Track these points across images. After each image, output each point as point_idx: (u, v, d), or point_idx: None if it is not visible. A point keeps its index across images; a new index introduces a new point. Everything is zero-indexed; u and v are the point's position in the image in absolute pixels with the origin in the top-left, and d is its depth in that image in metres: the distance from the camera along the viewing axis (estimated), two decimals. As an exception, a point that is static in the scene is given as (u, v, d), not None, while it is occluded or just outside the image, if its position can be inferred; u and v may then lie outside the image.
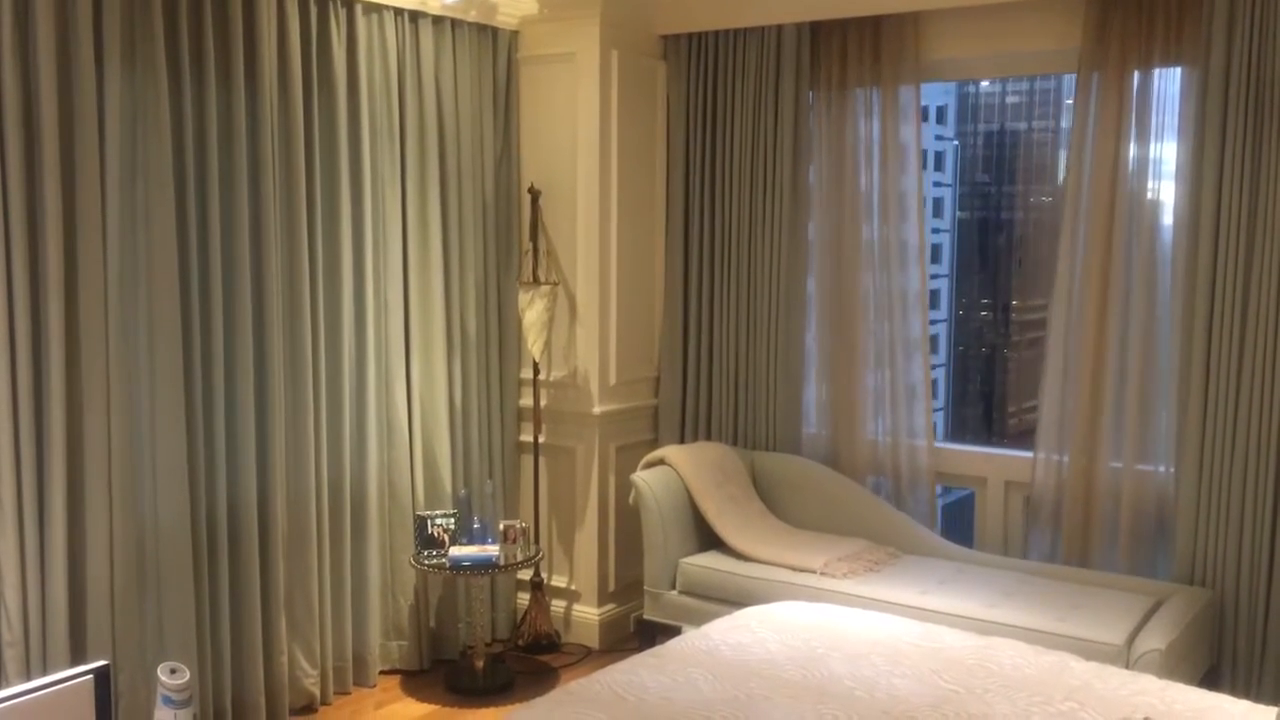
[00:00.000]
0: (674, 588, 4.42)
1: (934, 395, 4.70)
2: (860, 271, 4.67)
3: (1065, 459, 4.25)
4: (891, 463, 4.68)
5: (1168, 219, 4.07)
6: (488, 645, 4.52)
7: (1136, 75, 4.05)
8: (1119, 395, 4.14)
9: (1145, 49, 4.02)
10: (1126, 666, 3.40)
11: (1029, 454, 4.35)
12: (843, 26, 4.60)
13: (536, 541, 4.73)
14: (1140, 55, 4.03)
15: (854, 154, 4.65)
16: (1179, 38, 3.96)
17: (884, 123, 4.57)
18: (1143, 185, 4.07)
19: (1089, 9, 4.09)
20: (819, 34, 4.66)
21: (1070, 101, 4.28)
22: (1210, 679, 3.79)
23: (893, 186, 4.58)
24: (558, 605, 4.91)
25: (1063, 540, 4.26)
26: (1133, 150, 4.07)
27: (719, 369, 4.94)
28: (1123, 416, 4.14)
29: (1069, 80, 4.25)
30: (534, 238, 4.75)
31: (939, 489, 4.72)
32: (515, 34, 4.79)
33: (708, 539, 4.49)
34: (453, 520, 4.39)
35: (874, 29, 4.55)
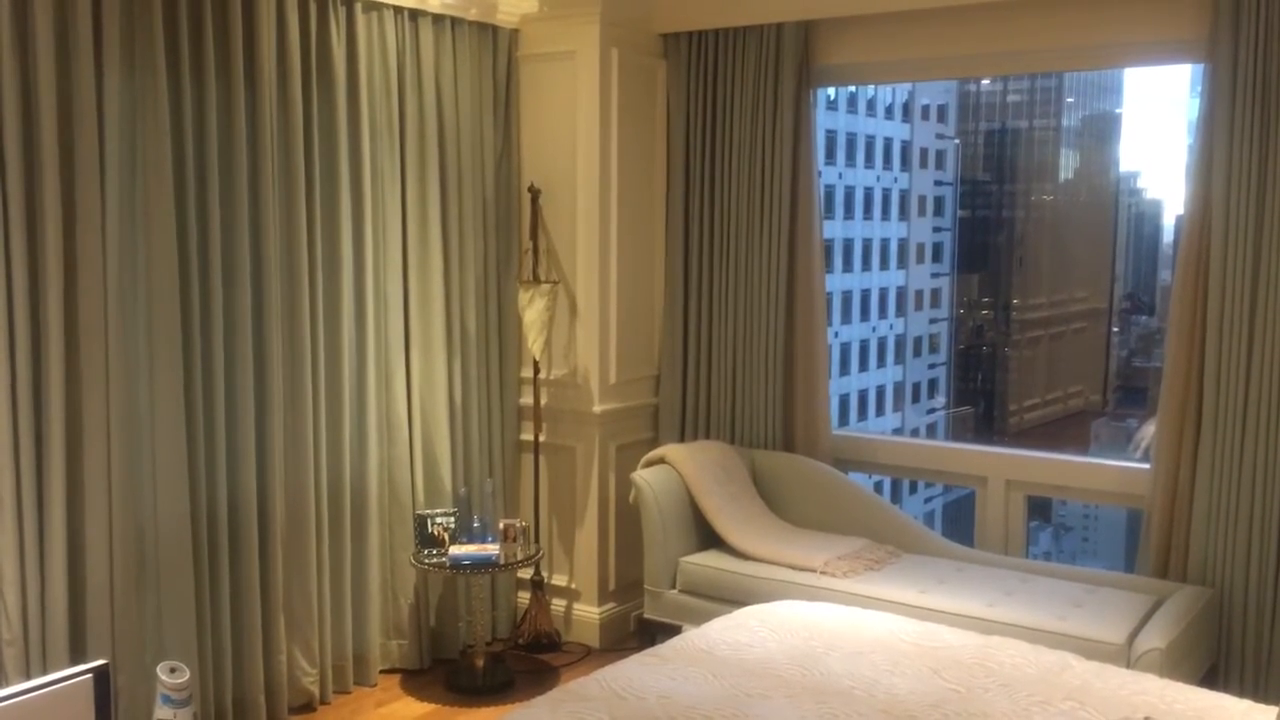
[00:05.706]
0: (674, 586, 4.41)
1: (934, 394, 4.72)
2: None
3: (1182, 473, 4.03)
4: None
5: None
6: (488, 644, 4.51)
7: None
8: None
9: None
10: (1127, 665, 3.40)
11: (1044, 454, 4.29)
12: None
13: (536, 540, 4.73)
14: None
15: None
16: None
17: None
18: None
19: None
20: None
21: (1071, 100, 4.27)
22: (1210, 678, 3.79)
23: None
24: (558, 604, 4.91)
25: (1174, 556, 4.03)
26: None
27: (719, 367, 4.94)
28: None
29: (1070, 78, 4.24)
30: (534, 236, 4.75)
31: (940, 487, 4.72)
32: (515, 32, 4.79)
33: (708, 538, 4.49)
34: (453, 519, 4.39)
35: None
